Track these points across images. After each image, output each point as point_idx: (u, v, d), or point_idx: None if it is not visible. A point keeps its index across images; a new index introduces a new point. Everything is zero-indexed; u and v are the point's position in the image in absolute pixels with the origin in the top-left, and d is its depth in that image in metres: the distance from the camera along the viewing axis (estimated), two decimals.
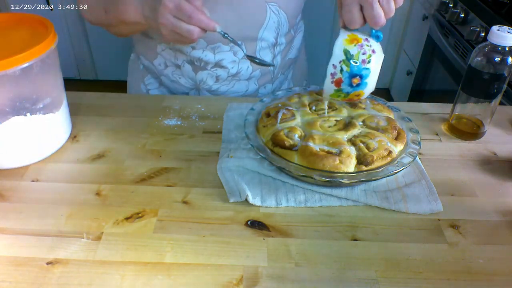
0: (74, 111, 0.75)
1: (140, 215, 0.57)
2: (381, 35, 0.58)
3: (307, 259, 0.51)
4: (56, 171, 0.64)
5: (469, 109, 0.72)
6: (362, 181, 0.56)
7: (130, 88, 0.99)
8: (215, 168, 0.64)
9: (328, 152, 0.58)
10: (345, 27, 0.58)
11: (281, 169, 0.60)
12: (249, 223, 0.56)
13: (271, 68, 0.88)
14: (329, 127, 0.64)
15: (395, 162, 0.59)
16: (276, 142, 0.61)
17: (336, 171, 0.57)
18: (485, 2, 1.39)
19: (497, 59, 0.66)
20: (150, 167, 0.65)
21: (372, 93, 0.62)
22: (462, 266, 0.51)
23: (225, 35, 0.64)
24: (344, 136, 0.61)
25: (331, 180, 0.56)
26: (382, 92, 2.45)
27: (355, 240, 0.54)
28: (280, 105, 0.68)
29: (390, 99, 2.31)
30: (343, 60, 0.56)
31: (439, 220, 0.57)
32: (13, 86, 0.58)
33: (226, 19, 0.76)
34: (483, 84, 0.68)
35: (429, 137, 0.73)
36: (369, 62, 0.56)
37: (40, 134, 0.64)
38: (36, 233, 0.54)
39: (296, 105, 0.69)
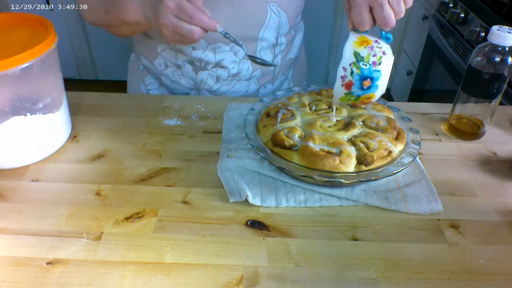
0: (74, 111, 0.75)
1: (140, 215, 0.57)
2: (391, 37, 0.57)
3: (307, 259, 0.51)
4: (56, 171, 0.64)
5: (469, 109, 0.72)
6: (362, 181, 0.56)
7: (130, 88, 0.99)
8: (215, 168, 0.64)
9: (328, 152, 0.58)
10: (354, 29, 0.57)
11: (281, 169, 0.60)
12: (249, 223, 0.56)
13: (272, 68, 0.88)
14: (329, 127, 0.64)
15: (395, 162, 0.59)
16: (276, 142, 0.61)
17: (336, 171, 0.57)
18: (485, 2, 1.39)
19: (497, 59, 0.66)
20: (150, 167, 0.65)
21: None
22: (462, 266, 0.51)
23: (226, 35, 0.64)
24: (344, 136, 0.61)
25: (331, 180, 0.56)
26: None
27: (355, 240, 0.54)
28: (280, 105, 0.68)
29: (390, 99, 2.31)
30: (354, 63, 0.55)
31: (439, 220, 0.57)
32: (13, 86, 0.58)
33: (226, 19, 0.76)
34: (483, 84, 0.68)
35: (429, 137, 0.73)
36: (379, 64, 0.56)
37: (40, 134, 0.64)
38: (36, 233, 0.54)
39: (296, 105, 0.69)
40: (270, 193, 0.59)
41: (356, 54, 0.55)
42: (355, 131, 0.62)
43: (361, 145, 0.60)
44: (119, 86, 1.19)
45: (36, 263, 0.50)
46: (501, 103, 0.82)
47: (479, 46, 0.67)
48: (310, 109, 0.68)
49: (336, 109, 0.68)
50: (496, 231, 0.56)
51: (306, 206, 0.58)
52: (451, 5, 1.59)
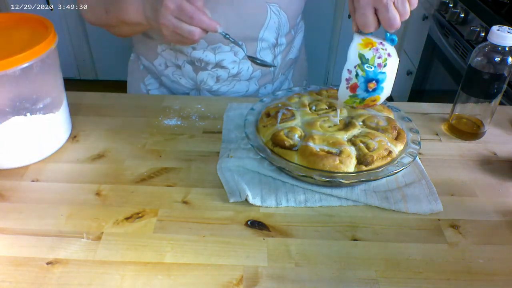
0: (74, 111, 0.75)
1: (140, 215, 0.57)
2: (396, 39, 0.56)
3: (307, 259, 0.51)
4: (56, 171, 0.64)
5: (469, 109, 0.72)
6: (362, 181, 0.56)
7: (130, 88, 0.99)
8: (215, 168, 0.64)
9: (328, 152, 0.58)
10: (359, 31, 0.57)
11: (281, 169, 0.60)
12: (249, 223, 0.56)
13: (272, 68, 0.88)
14: (329, 127, 0.64)
15: (395, 162, 0.59)
16: (276, 142, 0.61)
17: (336, 171, 0.57)
18: (485, 2, 1.39)
19: (497, 59, 0.66)
20: (150, 167, 0.65)
21: None
22: (462, 266, 0.51)
23: (226, 35, 0.64)
24: (344, 136, 0.61)
25: (331, 180, 0.56)
26: None
27: (355, 240, 0.54)
28: (280, 105, 0.68)
29: (390, 99, 2.31)
30: (358, 65, 0.55)
31: (439, 220, 0.57)
32: (13, 86, 0.58)
33: (227, 20, 0.76)
34: (483, 84, 0.68)
35: (429, 137, 0.73)
36: (385, 66, 0.55)
37: (40, 134, 0.64)
38: (36, 233, 0.54)
39: (296, 105, 0.69)
40: (270, 193, 0.59)
41: (361, 56, 0.54)
42: (355, 131, 0.62)
43: (361, 145, 0.60)
44: (119, 86, 1.19)
45: (36, 263, 0.50)
46: (501, 103, 0.82)
47: (479, 46, 0.68)
48: (310, 109, 0.68)
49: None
50: (496, 231, 0.56)
51: (306, 206, 0.58)
52: (451, 5, 1.59)
